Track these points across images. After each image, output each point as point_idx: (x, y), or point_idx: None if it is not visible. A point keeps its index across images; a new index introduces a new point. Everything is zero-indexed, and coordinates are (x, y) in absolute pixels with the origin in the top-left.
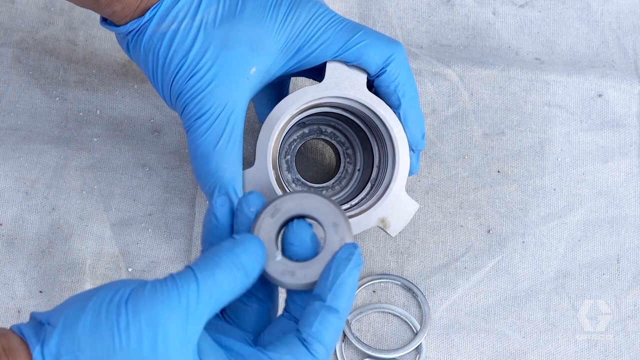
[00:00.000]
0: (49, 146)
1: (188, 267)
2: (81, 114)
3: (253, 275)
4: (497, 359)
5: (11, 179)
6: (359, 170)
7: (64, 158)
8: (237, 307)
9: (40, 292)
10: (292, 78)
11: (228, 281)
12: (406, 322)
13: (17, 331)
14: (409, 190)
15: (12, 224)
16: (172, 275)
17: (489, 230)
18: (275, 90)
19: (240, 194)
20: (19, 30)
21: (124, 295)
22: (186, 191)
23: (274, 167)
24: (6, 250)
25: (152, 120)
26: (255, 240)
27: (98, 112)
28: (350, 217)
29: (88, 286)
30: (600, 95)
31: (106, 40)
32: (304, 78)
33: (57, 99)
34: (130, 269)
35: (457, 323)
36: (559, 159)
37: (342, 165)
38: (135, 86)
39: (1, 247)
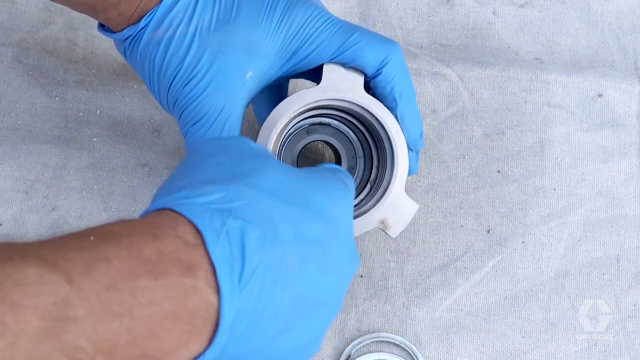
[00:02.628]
0: (48, 146)
1: None
2: (81, 113)
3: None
4: (497, 359)
5: (11, 179)
6: (358, 171)
7: (63, 158)
8: None
9: None
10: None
11: None
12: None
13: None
14: (409, 190)
15: (12, 224)
16: None
17: (489, 230)
18: (274, 91)
19: None
20: (19, 30)
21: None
22: None
23: None
24: None
25: (152, 120)
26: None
27: (98, 112)
28: None
29: None
30: (600, 95)
31: (106, 41)
32: (302, 79)
33: (57, 98)
34: None
35: (457, 323)
36: (559, 159)
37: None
38: (135, 86)
39: None
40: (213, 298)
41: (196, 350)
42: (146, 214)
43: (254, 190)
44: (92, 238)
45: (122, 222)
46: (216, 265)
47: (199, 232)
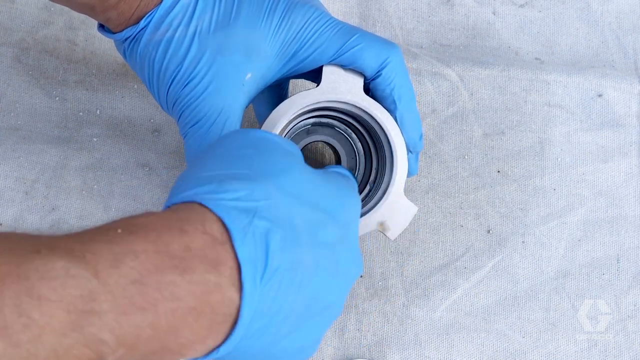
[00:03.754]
0: (48, 146)
1: None
2: (81, 113)
3: None
4: (497, 359)
5: (11, 179)
6: (358, 172)
7: (63, 158)
8: None
9: None
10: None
11: None
12: None
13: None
14: (409, 190)
15: (12, 224)
16: None
17: (489, 230)
18: (274, 91)
19: None
20: (19, 30)
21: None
22: None
23: None
24: None
25: (152, 120)
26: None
27: (98, 112)
28: None
29: None
30: (600, 95)
31: (106, 41)
32: (302, 79)
33: (57, 98)
34: None
35: (457, 323)
36: (559, 159)
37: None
38: (135, 86)
39: None
40: (235, 295)
41: (212, 345)
42: (173, 205)
43: (279, 190)
44: (119, 231)
45: (149, 215)
46: (242, 264)
47: (226, 229)
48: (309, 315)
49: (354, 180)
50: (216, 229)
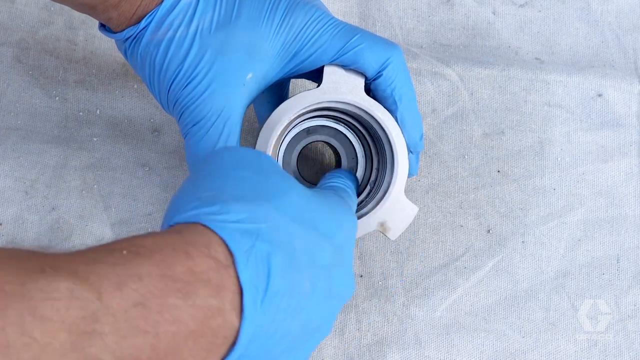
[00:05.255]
0: (48, 146)
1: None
2: (81, 113)
3: None
4: (497, 358)
5: (11, 179)
6: (358, 172)
7: (63, 158)
8: None
9: None
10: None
11: None
12: None
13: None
14: (409, 190)
15: (12, 224)
16: None
17: (489, 230)
18: (275, 91)
19: None
20: (18, 30)
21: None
22: None
23: None
24: None
25: (152, 120)
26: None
27: (98, 111)
28: None
29: None
30: (600, 95)
31: (106, 40)
32: (303, 79)
33: (57, 98)
34: None
35: (457, 323)
36: (559, 159)
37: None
38: (135, 86)
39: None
40: (235, 319)
41: None
42: (177, 224)
43: (279, 212)
44: (124, 252)
45: (154, 235)
46: (244, 289)
47: (230, 252)
48: (302, 337)
49: (349, 194)
50: (220, 252)
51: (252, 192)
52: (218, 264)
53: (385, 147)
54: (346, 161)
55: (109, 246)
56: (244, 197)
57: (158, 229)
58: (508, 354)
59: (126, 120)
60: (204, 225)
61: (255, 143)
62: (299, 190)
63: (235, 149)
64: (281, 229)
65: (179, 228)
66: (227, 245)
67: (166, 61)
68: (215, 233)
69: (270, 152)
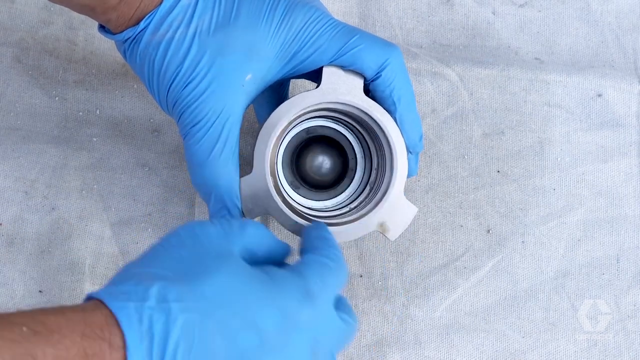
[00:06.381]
0: (48, 146)
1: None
2: (81, 113)
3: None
4: (497, 359)
5: (11, 179)
6: (357, 173)
7: (63, 158)
8: None
9: (40, 291)
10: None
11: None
12: None
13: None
14: (409, 190)
15: (12, 224)
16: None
17: (489, 230)
18: (275, 91)
19: (235, 202)
20: (18, 30)
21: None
22: (186, 191)
23: (272, 174)
24: (6, 250)
25: (152, 120)
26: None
27: (98, 111)
28: (349, 221)
29: (88, 286)
30: (599, 95)
31: (106, 40)
32: (303, 79)
33: (57, 98)
34: None
35: (457, 323)
36: (559, 159)
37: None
38: (135, 86)
39: (1, 246)
40: None
41: None
42: (89, 299)
43: (195, 294)
44: (24, 329)
45: (56, 312)
46: None
47: (123, 334)
48: None
49: (332, 264)
50: (115, 333)
51: (177, 272)
52: (111, 346)
53: (385, 148)
54: (345, 162)
55: (11, 318)
56: (162, 277)
57: (158, 229)
58: (508, 354)
59: (126, 120)
60: (105, 305)
61: (255, 143)
62: (229, 271)
63: (196, 225)
64: (193, 310)
65: (86, 305)
66: (121, 328)
67: (165, 62)
68: (112, 314)
69: (270, 152)
